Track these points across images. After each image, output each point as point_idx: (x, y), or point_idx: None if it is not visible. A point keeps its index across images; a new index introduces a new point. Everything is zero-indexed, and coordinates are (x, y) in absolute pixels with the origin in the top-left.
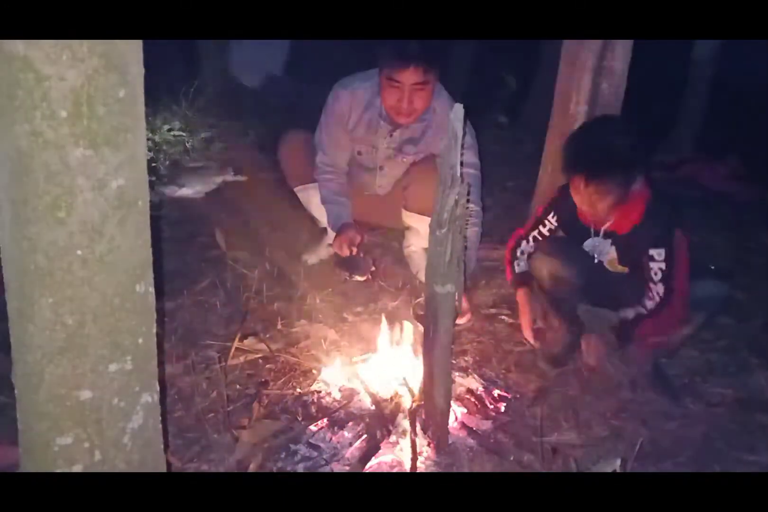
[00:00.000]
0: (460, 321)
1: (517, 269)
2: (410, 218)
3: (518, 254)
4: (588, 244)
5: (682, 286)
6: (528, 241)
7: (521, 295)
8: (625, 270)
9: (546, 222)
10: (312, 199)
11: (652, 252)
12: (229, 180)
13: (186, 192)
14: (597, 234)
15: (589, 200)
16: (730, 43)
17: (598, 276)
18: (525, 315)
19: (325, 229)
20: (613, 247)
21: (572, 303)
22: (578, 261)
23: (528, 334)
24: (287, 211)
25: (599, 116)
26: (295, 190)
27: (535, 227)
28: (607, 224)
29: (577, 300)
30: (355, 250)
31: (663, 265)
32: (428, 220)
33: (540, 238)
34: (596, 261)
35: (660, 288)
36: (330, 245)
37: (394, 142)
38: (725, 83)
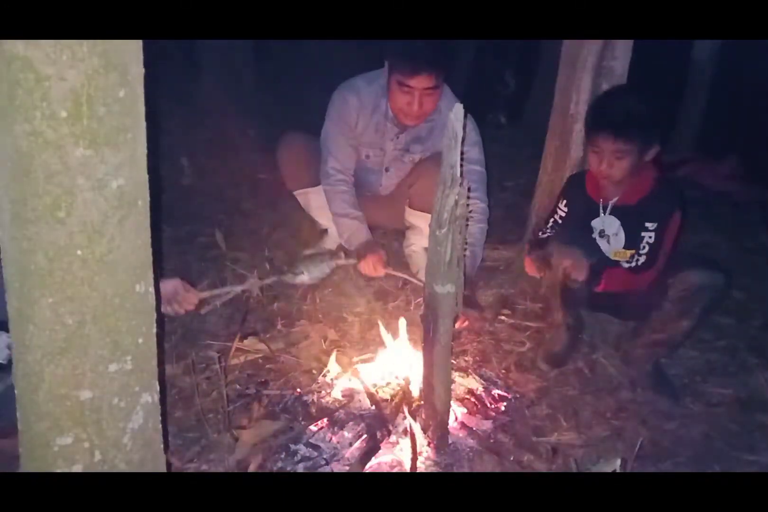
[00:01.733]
0: (464, 324)
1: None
2: (414, 216)
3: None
4: (596, 223)
5: (663, 260)
6: (544, 231)
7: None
8: (633, 253)
9: (558, 209)
10: (312, 202)
11: (647, 224)
12: (341, 263)
13: (303, 278)
14: (605, 209)
15: (608, 160)
16: (730, 43)
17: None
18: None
19: (325, 230)
20: (621, 229)
21: (580, 296)
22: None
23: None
24: (287, 211)
25: (625, 84)
26: (295, 193)
27: (551, 216)
28: (616, 199)
29: (585, 294)
30: (385, 271)
31: (652, 236)
32: None
33: (556, 226)
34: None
35: (647, 254)
36: (356, 264)
37: (401, 143)
38: (725, 83)
